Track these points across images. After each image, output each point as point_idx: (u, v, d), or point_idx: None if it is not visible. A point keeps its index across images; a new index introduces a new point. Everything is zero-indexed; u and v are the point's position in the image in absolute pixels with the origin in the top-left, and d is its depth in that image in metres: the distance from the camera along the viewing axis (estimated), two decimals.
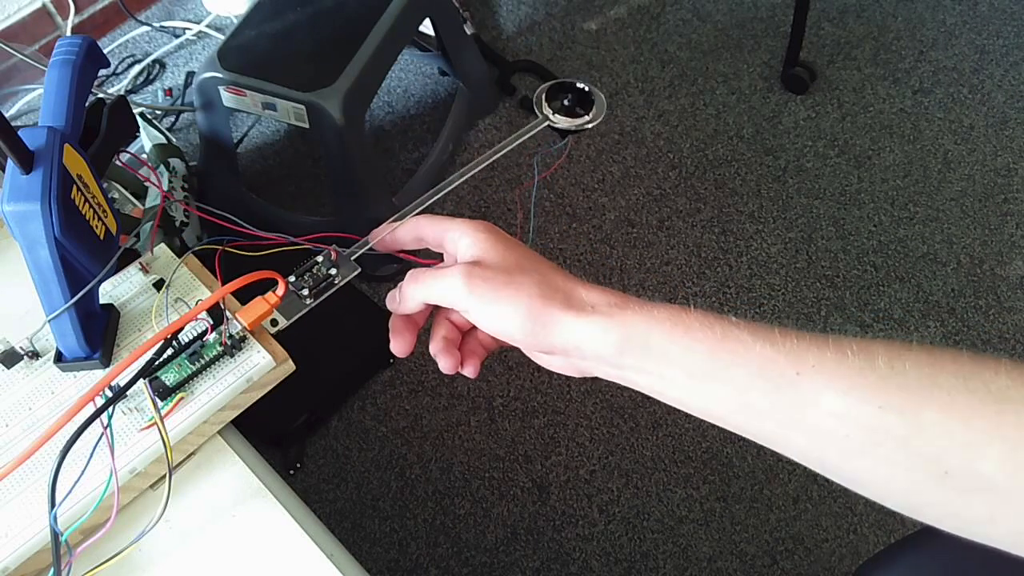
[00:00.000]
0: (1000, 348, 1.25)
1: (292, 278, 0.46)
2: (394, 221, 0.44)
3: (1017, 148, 1.46)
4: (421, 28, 1.43)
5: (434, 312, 0.44)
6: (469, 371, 0.44)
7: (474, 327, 0.43)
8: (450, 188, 0.45)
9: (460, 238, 0.41)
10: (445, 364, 0.43)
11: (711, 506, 1.13)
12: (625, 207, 1.41)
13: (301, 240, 0.46)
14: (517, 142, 0.43)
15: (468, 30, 1.56)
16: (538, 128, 0.43)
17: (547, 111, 0.44)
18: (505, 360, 1.24)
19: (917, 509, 0.33)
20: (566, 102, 0.44)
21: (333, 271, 0.46)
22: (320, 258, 0.46)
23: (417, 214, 0.45)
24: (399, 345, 0.44)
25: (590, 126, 0.43)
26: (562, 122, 0.43)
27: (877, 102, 1.53)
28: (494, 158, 0.45)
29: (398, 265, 1.32)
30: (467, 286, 0.39)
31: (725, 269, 1.34)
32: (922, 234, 1.37)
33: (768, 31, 1.64)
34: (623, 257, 1.36)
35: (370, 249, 0.45)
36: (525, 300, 0.38)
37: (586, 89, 0.44)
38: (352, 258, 0.46)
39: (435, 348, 0.43)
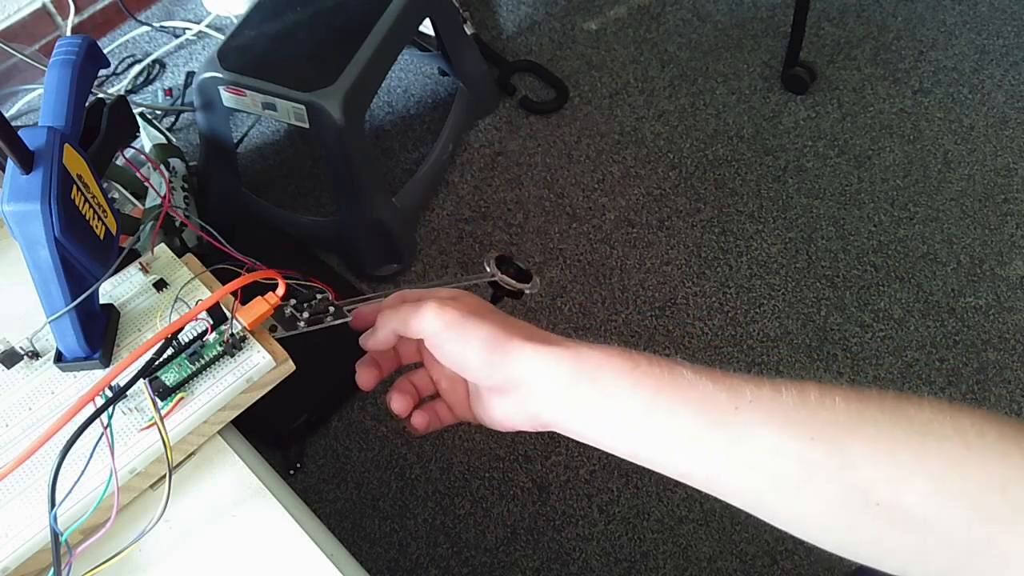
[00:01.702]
0: (1000, 348, 1.25)
1: (293, 301, 0.48)
2: (373, 301, 0.49)
3: (1017, 148, 1.46)
4: (421, 28, 1.43)
5: (401, 377, 0.48)
6: (418, 419, 0.47)
7: (436, 395, 0.48)
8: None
9: (439, 290, 0.46)
10: (398, 404, 0.46)
11: (711, 506, 1.13)
12: (625, 207, 1.41)
13: (311, 280, 0.49)
14: (463, 284, 0.50)
15: (468, 30, 1.56)
16: (484, 280, 0.52)
17: (494, 270, 0.52)
18: None
19: (854, 549, 0.35)
20: (510, 270, 0.52)
21: (331, 309, 0.48)
22: (319, 296, 0.49)
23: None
24: (363, 378, 0.48)
25: (527, 292, 0.53)
26: (504, 281, 0.52)
27: (877, 102, 1.53)
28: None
29: (398, 265, 1.33)
30: (437, 314, 0.41)
31: (725, 269, 1.34)
32: (922, 234, 1.37)
33: (768, 31, 1.64)
34: (623, 257, 1.36)
35: (353, 327, 0.49)
36: (487, 329, 0.41)
37: (525, 268, 0.53)
38: (345, 308, 0.49)
39: (390, 396, 0.47)
